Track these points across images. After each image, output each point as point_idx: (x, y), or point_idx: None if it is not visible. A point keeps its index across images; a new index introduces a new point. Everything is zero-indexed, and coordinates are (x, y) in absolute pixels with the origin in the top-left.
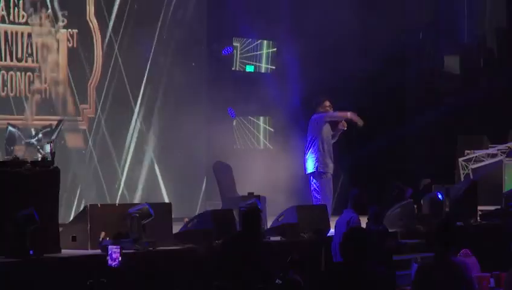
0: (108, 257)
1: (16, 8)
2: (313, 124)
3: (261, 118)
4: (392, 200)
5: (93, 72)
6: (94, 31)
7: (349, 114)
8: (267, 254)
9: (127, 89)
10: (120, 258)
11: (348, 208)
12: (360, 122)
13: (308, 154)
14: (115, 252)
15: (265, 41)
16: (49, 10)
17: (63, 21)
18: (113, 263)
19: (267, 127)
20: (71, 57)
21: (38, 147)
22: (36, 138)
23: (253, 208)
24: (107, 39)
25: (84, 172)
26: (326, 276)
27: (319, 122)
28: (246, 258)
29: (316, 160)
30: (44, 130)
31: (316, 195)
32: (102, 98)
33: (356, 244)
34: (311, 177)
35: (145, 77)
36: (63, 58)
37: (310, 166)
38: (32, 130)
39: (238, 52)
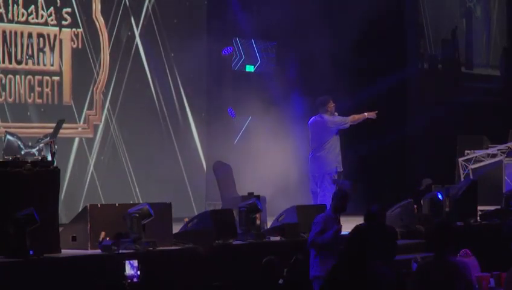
0: (127, 273)
1: (15, 5)
2: (326, 126)
3: (261, 118)
4: (417, 193)
5: (100, 75)
6: (101, 30)
7: (366, 114)
8: None
9: (130, 92)
10: (139, 273)
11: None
12: (373, 115)
13: (328, 154)
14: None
15: (264, 42)
16: (52, 8)
17: (66, 20)
18: (134, 279)
19: (267, 127)
20: (76, 58)
21: (39, 158)
22: (37, 147)
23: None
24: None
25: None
26: (329, 276)
27: (335, 126)
28: None
29: (338, 161)
30: (46, 139)
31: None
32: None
33: (358, 244)
34: (328, 176)
35: (145, 78)
36: (66, 60)
37: (332, 166)
38: (32, 140)
39: (238, 53)
